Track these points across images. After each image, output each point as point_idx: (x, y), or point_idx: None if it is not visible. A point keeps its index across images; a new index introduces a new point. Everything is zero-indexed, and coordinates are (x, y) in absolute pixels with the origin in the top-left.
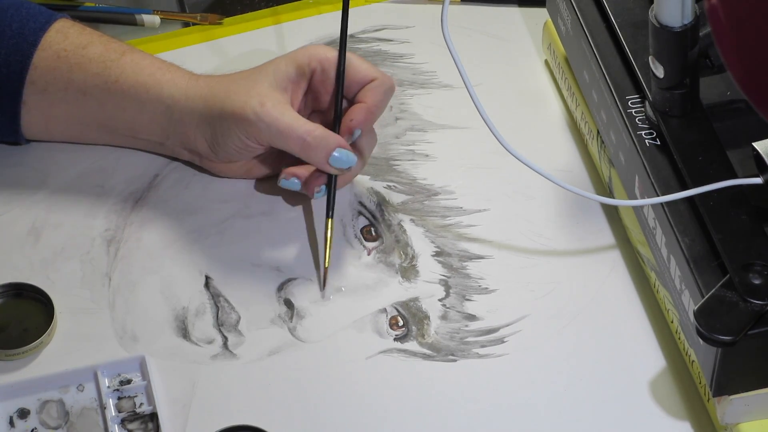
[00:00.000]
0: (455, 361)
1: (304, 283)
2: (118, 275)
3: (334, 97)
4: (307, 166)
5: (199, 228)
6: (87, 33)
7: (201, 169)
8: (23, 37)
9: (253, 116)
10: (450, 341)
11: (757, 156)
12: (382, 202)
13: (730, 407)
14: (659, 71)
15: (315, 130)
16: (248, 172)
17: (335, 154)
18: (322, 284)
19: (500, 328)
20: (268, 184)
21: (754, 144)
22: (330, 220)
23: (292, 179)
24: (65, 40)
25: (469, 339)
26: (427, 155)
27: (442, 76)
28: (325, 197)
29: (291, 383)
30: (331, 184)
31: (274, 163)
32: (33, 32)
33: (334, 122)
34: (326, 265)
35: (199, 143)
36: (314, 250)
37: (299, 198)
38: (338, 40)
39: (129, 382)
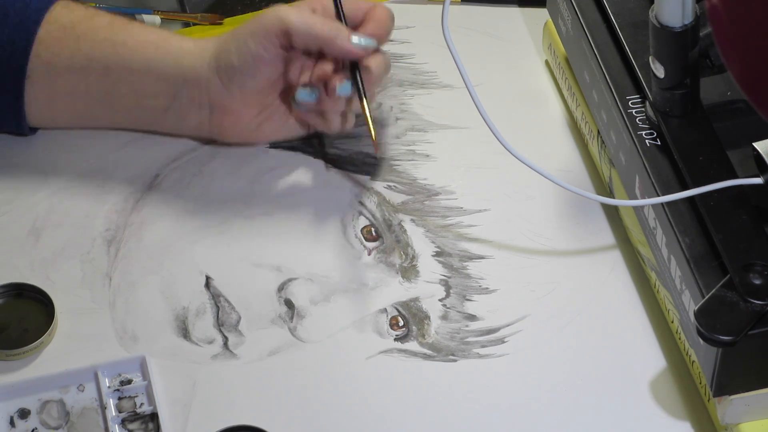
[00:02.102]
0: (455, 361)
1: (304, 283)
2: (118, 275)
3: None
4: (318, 76)
5: (199, 228)
6: (92, 8)
7: (201, 170)
8: (27, 15)
9: (283, 17)
10: (450, 341)
11: (757, 156)
12: (382, 202)
13: (730, 407)
14: (659, 71)
15: (335, 21)
16: (258, 129)
17: (356, 35)
18: (376, 148)
19: (500, 328)
20: (268, 184)
21: (754, 144)
22: (365, 100)
23: (306, 89)
24: (71, 14)
25: (470, 339)
26: (427, 155)
27: (442, 76)
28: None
29: (291, 383)
30: (356, 72)
31: (282, 120)
32: (36, 11)
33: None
34: (374, 138)
35: (212, 83)
36: (315, 249)
37: (299, 196)
38: None
39: (129, 382)
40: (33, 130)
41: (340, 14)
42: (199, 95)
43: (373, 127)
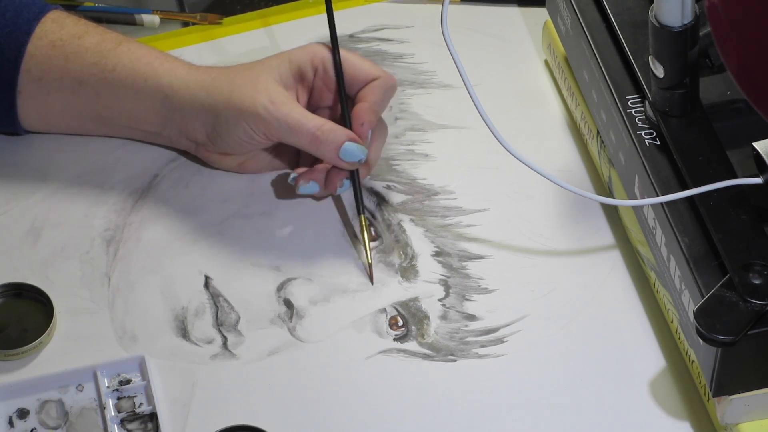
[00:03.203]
0: (455, 361)
1: (303, 283)
2: (117, 275)
3: (336, 94)
4: (321, 168)
5: (198, 228)
6: (83, 23)
7: (200, 169)
8: (17, 25)
9: (263, 112)
10: (450, 341)
11: (757, 156)
12: (381, 202)
13: (730, 407)
14: (659, 71)
15: (324, 124)
16: (241, 166)
17: (345, 146)
18: (371, 280)
19: (500, 328)
20: (267, 184)
21: (754, 144)
22: (362, 216)
23: (310, 183)
24: (61, 30)
25: (469, 339)
26: (426, 155)
27: (441, 76)
28: (340, 193)
29: (291, 383)
30: (355, 180)
31: (268, 159)
32: (27, 21)
33: (342, 120)
34: (369, 262)
35: (198, 132)
36: (315, 249)
37: (299, 196)
38: (338, 39)
39: (128, 382)
40: (27, 133)
41: (339, 82)
42: (186, 131)
43: (369, 250)
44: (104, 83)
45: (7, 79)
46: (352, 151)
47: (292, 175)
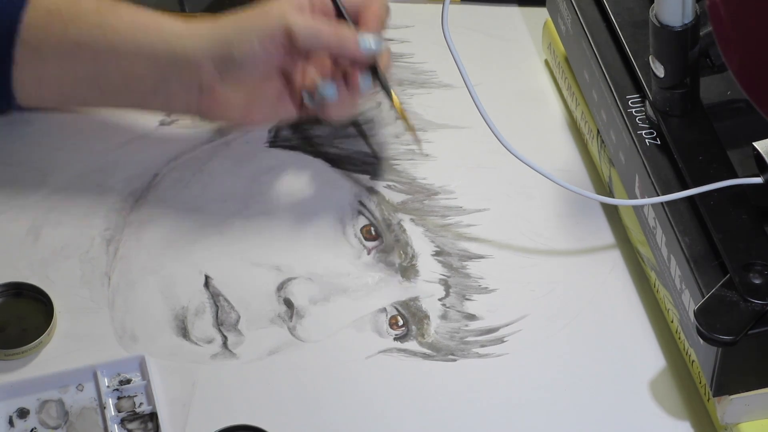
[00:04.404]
0: (455, 360)
1: (303, 283)
2: (117, 275)
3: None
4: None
5: (198, 228)
6: None
7: (201, 169)
8: None
9: (282, 20)
10: (450, 341)
11: (757, 156)
12: (381, 202)
13: (730, 407)
14: (659, 71)
15: (340, 23)
16: (246, 114)
17: (365, 36)
18: (420, 148)
19: (500, 328)
20: (267, 183)
21: (754, 144)
22: (392, 91)
23: (331, 87)
24: None
25: (469, 339)
26: (426, 155)
27: (442, 76)
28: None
29: (291, 383)
30: (377, 68)
31: (272, 103)
32: None
33: None
34: (413, 129)
35: (205, 70)
36: (315, 249)
37: (298, 196)
38: None
39: (128, 381)
40: (20, 110)
41: (339, 11)
42: (189, 78)
43: (408, 120)
44: (104, 41)
45: (3, 55)
46: (370, 39)
47: (305, 90)
